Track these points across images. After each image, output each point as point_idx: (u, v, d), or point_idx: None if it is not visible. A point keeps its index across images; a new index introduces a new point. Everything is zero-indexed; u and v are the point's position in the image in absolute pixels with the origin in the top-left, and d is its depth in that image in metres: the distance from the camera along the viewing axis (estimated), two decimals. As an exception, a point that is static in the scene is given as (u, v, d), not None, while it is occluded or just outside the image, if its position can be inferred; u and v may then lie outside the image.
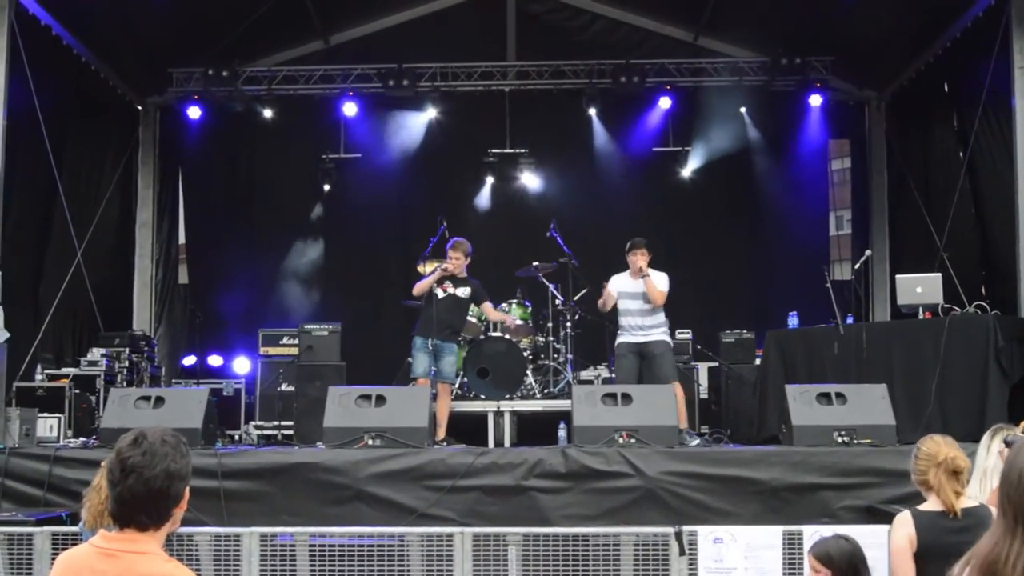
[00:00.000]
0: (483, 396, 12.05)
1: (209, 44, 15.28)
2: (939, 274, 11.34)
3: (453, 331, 10.94)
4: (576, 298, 13.08)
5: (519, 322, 12.11)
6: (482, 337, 12.49)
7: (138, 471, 3.11)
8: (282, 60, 16.55)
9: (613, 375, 11.67)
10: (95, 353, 13.30)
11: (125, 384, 13.23)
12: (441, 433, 10.35)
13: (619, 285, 10.94)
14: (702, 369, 13.86)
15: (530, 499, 8.40)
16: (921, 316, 10.74)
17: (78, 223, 14.09)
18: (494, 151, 16.57)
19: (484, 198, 16.92)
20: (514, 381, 12.19)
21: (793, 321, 12.66)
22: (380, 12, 16.52)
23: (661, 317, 10.82)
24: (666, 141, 16.65)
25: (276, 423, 13.05)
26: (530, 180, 16.74)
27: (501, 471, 8.47)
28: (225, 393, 13.99)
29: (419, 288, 10.87)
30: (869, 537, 6.04)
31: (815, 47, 15.50)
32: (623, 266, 10.98)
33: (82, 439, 10.62)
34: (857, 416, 8.97)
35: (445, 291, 10.83)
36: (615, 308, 10.89)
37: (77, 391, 12.10)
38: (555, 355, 13.10)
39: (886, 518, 7.00)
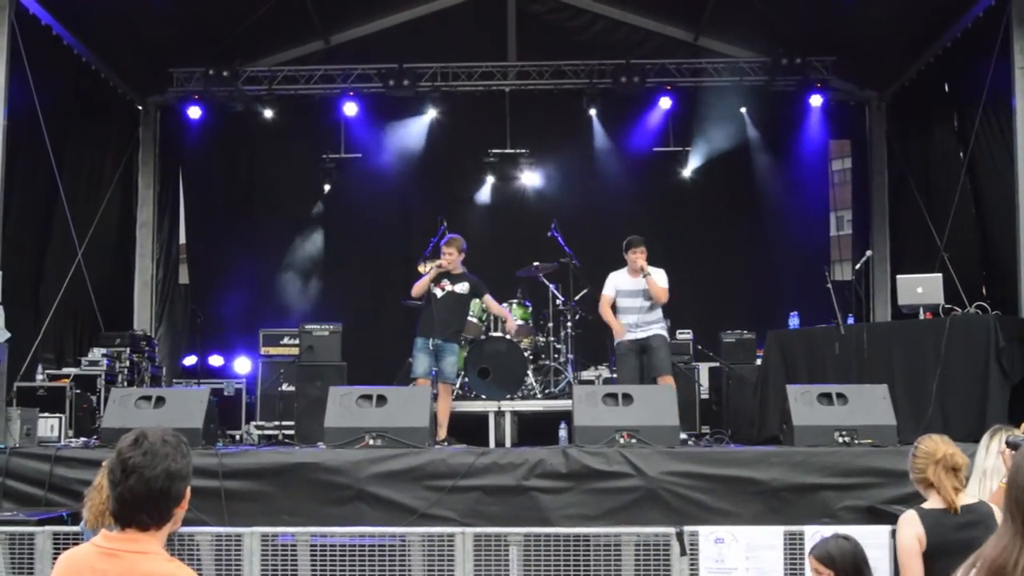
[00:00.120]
0: (484, 396, 12.06)
1: (210, 44, 15.27)
2: (940, 274, 11.34)
3: (455, 330, 10.93)
4: (577, 298, 13.10)
5: (519, 322, 12.11)
6: (483, 337, 12.49)
7: (139, 471, 3.11)
8: (282, 60, 16.55)
9: (614, 375, 11.69)
10: (96, 353, 13.30)
11: (126, 384, 13.23)
12: (442, 433, 10.35)
13: (618, 283, 10.98)
14: (703, 369, 13.86)
15: (531, 499, 8.40)
16: (922, 316, 10.73)
17: (78, 223, 14.09)
18: (494, 151, 16.57)
19: (484, 198, 16.92)
20: (515, 381, 12.20)
21: (794, 321, 12.65)
22: (380, 12, 16.53)
23: (659, 313, 10.94)
24: (666, 141, 16.65)
25: (277, 423, 13.04)
26: (530, 180, 16.74)
27: (502, 471, 8.47)
28: (226, 393, 13.97)
29: (417, 289, 10.87)
30: (870, 537, 6.04)
31: (816, 47, 15.51)
32: (622, 265, 11.01)
33: (83, 439, 10.62)
34: (858, 416, 8.97)
35: (443, 289, 10.82)
36: (614, 306, 10.95)
37: (78, 391, 12.10)
38: (556, 355, 13.11)
39: (887, 518, 7.03)
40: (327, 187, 16.90)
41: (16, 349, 11.31)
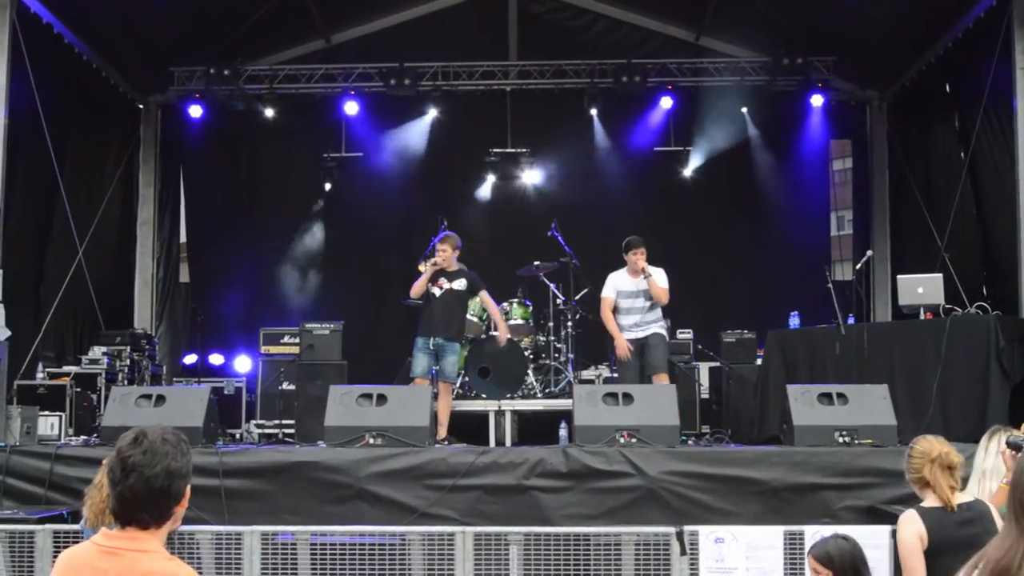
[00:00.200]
0: (484, 395, 12.05)
1: (211, 43, 15.27)
2: (940, 274, 11.34)
3: (456, 328, 10.89)
4: (577, 297, 13.09)
5: (508, 336, 11.97)
6: (483, 336, 12.49)
7: (139, 470, 3.11)
8: (283, 59, 16.55)
9: (614, 374, 11.69)
10: (96, 351, 13.29)
11: (126, 382, 13.23)
12: (442, 432, 10.34)
13: (618, 284, 10.99)
14: (703, 369, 13.87)
15: (531, 498, 8.40)
16: (922, 316, 10.74)
17: (79, 221, 14.09)
18: (495, 150, 16.56)
19: (485, 197, 16.91)
20: (515, 380, 12.20)
21: (794, 321, 12.66)
22: (382, 11, 16.52)
23: (659, 313, 10.98)
24: (667, 141, 16.66)
25: (277, 422, 13.04)
26: (531, 179, 16.73)
27: (502, 470, 8.47)
28: (226, 392, 13.98)
29: (416, 289, 10.85)
30: (870, 537, 6.05)
31: (817, 47, 15.50)
32: (623, 265, 11.01)
33: (83, 437, 10.62)
34: (858, 416, 8.97)
35: (441, 288, 10.80)
36: (615, 307, 10.97)
37: (78, 389, 12.10)
38: (556, 354, 13.10)
39: (887, 518, 7.03)
40: (328, 186, 16.90)
41: (17, 347, 11.32)
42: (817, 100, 15.90)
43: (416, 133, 16.75)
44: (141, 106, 16.65)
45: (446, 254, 10.81)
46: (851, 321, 11.75)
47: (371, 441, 8.86)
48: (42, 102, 12.68)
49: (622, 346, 10.79)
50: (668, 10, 16.41)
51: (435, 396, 10.19)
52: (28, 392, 11.62)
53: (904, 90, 15.76)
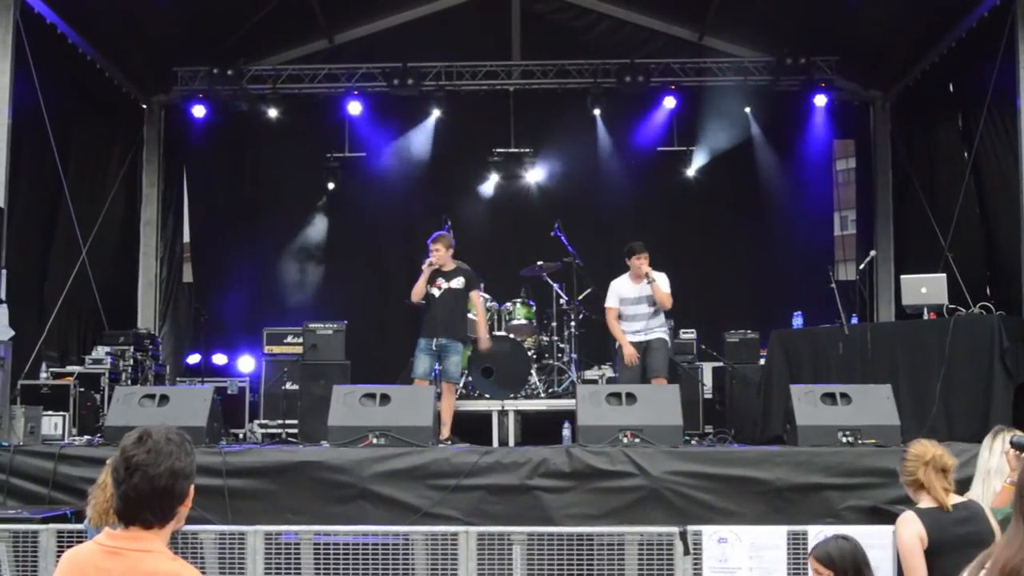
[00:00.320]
0: (487, 395, 12.05)
1: (214, 43, 15.27)
2: (944, 274, 11.34)
3: (458, 328, 10.87)
4: (580, 297, 13.09)
5: (489, 343, 11.85)
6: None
7: (143, 469, 3.11)
8: (287, 59, 16.56)
9: (617, 375, 11.68)
10: (100, 351, 13.29)
11: (130, 382, 13.23)
12: (445, 432, 10.33)
13: (620, 292, 11.01)
14: (706, 369, 13.88)
15: (534, 498, 8.40)
16: (926, 316, 10.73)
17: (83, 221, 14.10)
18: (498, 150, 16.56)
19: (488, 197, 16.91)
20: (518, 380, 12.20)
21: (797, 321, 12.67)
22: (385, 11, 16.52)
23: (662, 317, 11.01)
24: (671, 141, 16.66)
25: (280, 421, 13.03)
26: (534, 179, 16.74)
27: (505, 470, 8.47)
28: (229, 391, 13.99)
29: (415, 293, 10.84)
30: (873, 537, 6.05)
31: (820, 47, 15.49)
32: (626, 266, 11.02)
33: (87, 437, 10.63)
34: (862, 416, 8.96)
35: (440, 288, 10.80)
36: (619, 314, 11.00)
37: (82, 389, 12.10)
38: (559, 354, 13.10)
39: (890, 518, 7.01)
40: (331, 185, 16.91)
41: (20, 347, 11.34)
42: (820, 100, 15.89)
43: (419, 133, 16.76)
44: (144, 106, 16.65)
45: (440, 253, 10.80)
46: (854, 321, 11.73)
47: (374, 441, 8.87)
48: (46, 102, 12.69)
49: (630, 353, 10.80)
50: (671, 10, 16.41)
51: (438, 396, 10.19)
52: (32, 392, 11.62)
53: (908, 90, 15.74)
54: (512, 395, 12.06)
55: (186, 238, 17.19)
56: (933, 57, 14.42)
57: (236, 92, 15.90)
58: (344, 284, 16.72)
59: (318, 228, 17.11)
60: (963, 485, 6.57)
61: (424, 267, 10.82)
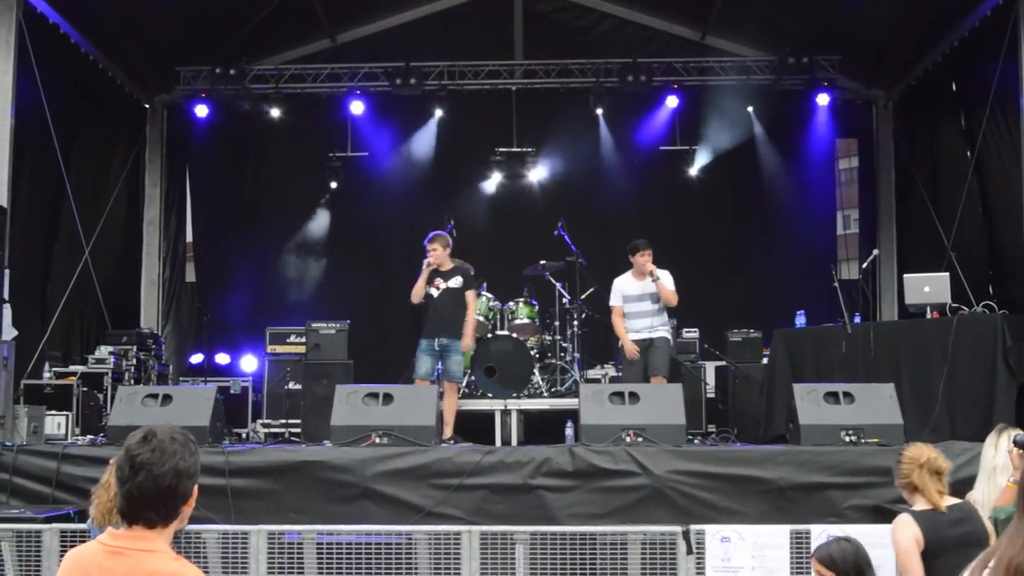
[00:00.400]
0: (490, 395, 12.05)
1: (216, 42, 15.28)
2: (947, 273, 11.33)
3: (458, 327, 10.86)
4: (583, 297, 13.08)
5: (471, 344, 11.77)
6: (489, 336, 12.48)
7: (147, 468, 3.11)
8: (289, 58, 16.57)
9: (620, 374, 11.69)
10: (103, 351, 13.32)
11: (132, 382, 13.25)
12: (448, 432, 10.33)
13: (623, 290, 11.02)
14: (709, 368, 13.88)
15: (537, 498, 8.40)
16: (929, 315, 10.72)
17: (86, 221, 14.11)
18: (501, 150, 16.56)
19: (491, 197, 16.90)
20: (521, 380, 12.19)
21: (800, 320, 12.67)
22: (387, 11, 16.53)
23: (665, 315, 11.01)
24: (673, 140, 16.66)
25: (283, 421, 13.04)
26: (537, 179, 16.74)
27: (508, 470, 8.48)
28: (232, 391, 13.98)
29: (415, 294, 10.84)
30: (876, 536, 6.04)
31: (822, 46, 15.48)
32: (630, 265, 11.02)
33: (90, 437, 10.66)
34: (865, 415, 8.96)
35: (438, 288, 10.80)
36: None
37: (85, 389, 12.11)
38: (562, 354, 13.09)
39: (893, 518, 7.00)
40: (333, 185, 16.91)
41: (23, 347, 11.35)
42: (823, 99, 15.88)
43: (422, 132, 16.76)
44: (147, 106, 16.66)
45: (437, 253, 10.80)
46: (857, 320, 11.73)
47: (377, 440, 8.87)
48: (48, 102, 12.70)
49: (630, 348, 10.82)
50: (673, 9, 16.40)
51: (440, 395, 10.19)
52: (35, 391, 11.63)
53: (910, 89, 15.73)
54: (515, 394, 12.05)
55: (189, 238, 17.21)
56: (936, 56, 14.42)
57: (238, 92, 15.90)
58: (347, 283, 16.73)
59: (320, 227, 17.11)
60: (967, 484, 6.58)
61: (423, 267, 10.82)
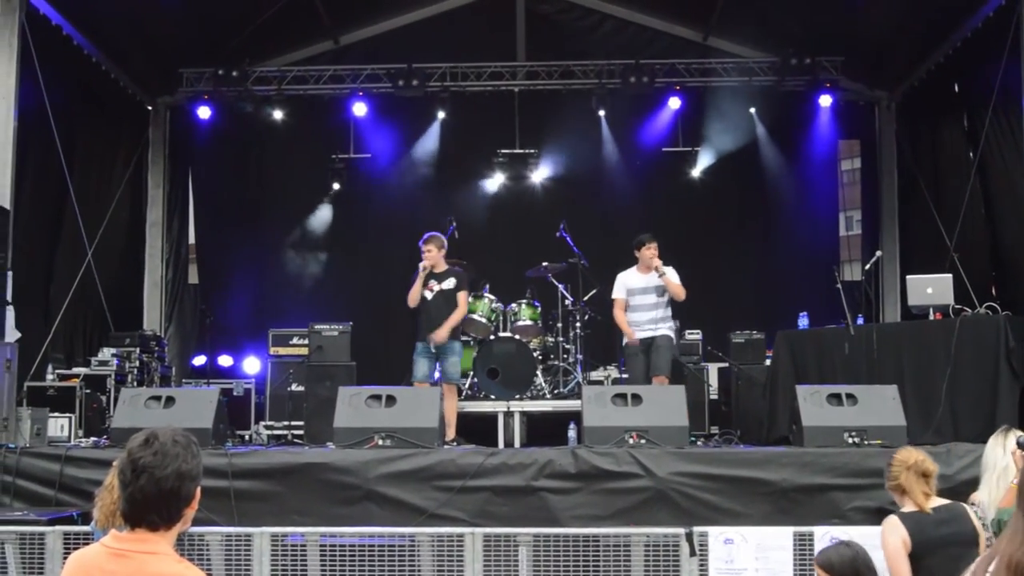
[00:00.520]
0: (493, 396, 12.05)
1: (219, 44, 15.30)
2: (950, 275, 11.32)
3: (453, 329, 10.87)
4: (586, 298, 13.07)
5: (445, 336, 11.61)
6: (492, 337, 12.49)
7: (149, 471, 3.11)
8: (292, 60, 16.59)
9: (623, 375, 11.68)
10: (106, 353, 13.32)
11: (136, 384, 13.24)
12: (450, 433, 10.32)
13: (628, 283, 11.02)
14: (712, 370, 13.86)
15: (540, 499, 8.39)
16: (932, 317, 10.71)
17: (88, 223, 14.12)
18: (503, 151, 16.57)
19: (493, 198, 16.91)
20: (524, 381, 12.19)
21: (803, 322, 12.66)
22: (389, 12, 16.54)
23: (669, 312, 11.00)
24: (675, 141, 16.65)
25: (286, 423, 13.06)
26: (539, 180, 16.75)
27: (511, 471, 8.47)
28: (235, 393, 13.99)
29: (412, 298, 10.85)
30: (879, 538, 6.04)
31: (825, 47, 15.48)
32: (632, 265, 11.03)
33: (93, 439, 10.64)
34: (868, 417, 8.95)
35: (432, 290, 10.81)
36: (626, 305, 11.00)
37: (88, 391, 12.10)
38: (565, 355, 13.10)
39: (895, 519, 7.03)
40: (336, 186, 16.92)
41: (26, 349, 11.35)
42: (825, 100, 15.88)
43: (424, 134, 16.76)
44: (150, 108, 16.67)
45: (432, 254, 10.82)
46: (860, 321, 11.74)
47: (380, 442, 8.86)
48: (51, 103, 12.71)
49: (629, 333, 10.82)
50: (675, 10, 16.41)
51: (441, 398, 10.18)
52: (38, 393, 11.63)
53: (913, 90, 15.73)
54: (518, 396, 12.06)
55: (191, 239, 17.23)
56: (938, 57, 14.41)
57: (241, 93, 15.92)
58: (349, 285, 16.74)
59: (323, 229, 17.11)
60: (971, 486, 6.58)
61: (420, 271, 10.82)
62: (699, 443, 10.58)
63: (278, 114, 16.44)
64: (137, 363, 13.65)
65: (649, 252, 10.83)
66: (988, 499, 6.08)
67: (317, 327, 12.77)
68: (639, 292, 10.93)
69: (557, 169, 16.71)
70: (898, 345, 10.70)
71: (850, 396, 9.13)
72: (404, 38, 16.51)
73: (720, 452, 9.05)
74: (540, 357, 12.82)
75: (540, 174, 16.71)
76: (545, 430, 11.72)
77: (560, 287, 13.25)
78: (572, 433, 10.32)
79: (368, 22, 16.67)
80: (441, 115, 16.53)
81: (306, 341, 13.18)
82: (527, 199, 16.80)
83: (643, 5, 16.46)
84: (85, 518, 7.70)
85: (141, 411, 9.17)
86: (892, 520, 5.63)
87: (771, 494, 8.35)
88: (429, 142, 16.77)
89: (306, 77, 16.30)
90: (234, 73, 15.64)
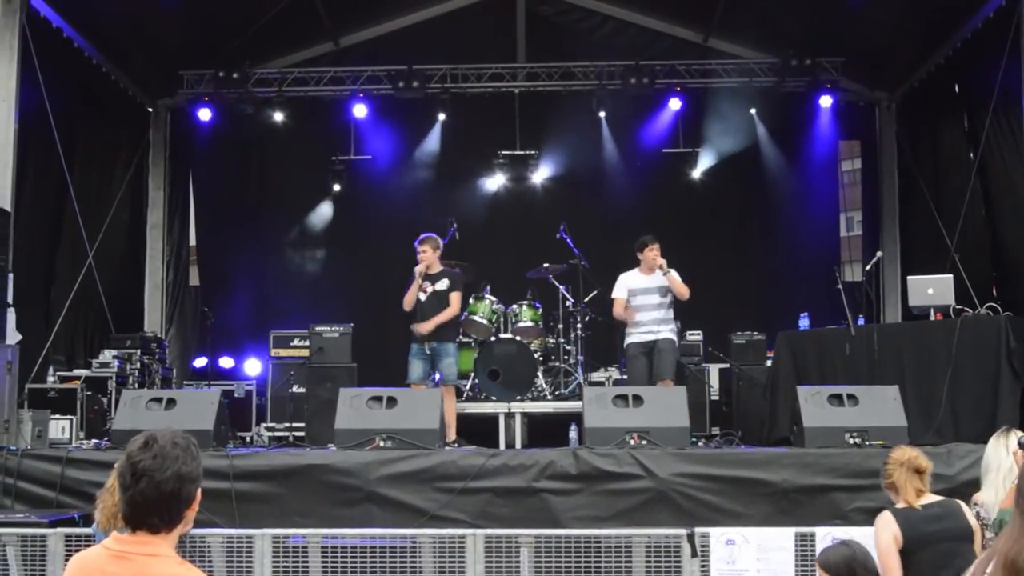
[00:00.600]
0: (494, 398, 12.06)
1: (219, 46, 15.31)
2: (950, 275, 11.32)
3: (447, 330, 10.83)
4: (587, 300, 13.08)
5: (430, 328, 11.52)
6: (492, 339, 12.49)
7: (149, 474, 3.10)
8: (292, 62, 16.60)
9: (624, 376, 11.68)
10: (107, 355, 13.32)
11: (137, 386, 13.24)
12: (451, 435, 10.31)
13: (630, 283, 11.00)
14: (713, 370, 13.85)
15: (541, 501, 8.39)
16: (932, 317, 10.71)
17: (89, 225, 14.11)
18: (504, 152, 16.57)
19: (494, 199, 16.91)
20: (525, 383, 12.20)
21: (804, 322, 12.65)
22: (390, 14, 16.54)
23: (671, 314, 10.98)
24: (676, 142, 16.64)
25: (287, 425, 13.06)
26: (540, 181, 16.75)
27: (512, 473, 8.46)
28: (236, 395, 14.00)
29: (407, 302, 10.85)
30: (875, 536, 6.07)
31: (825, 48, 15.48)
32: (633, 266, 11.02)
33: (94, 441, 10.64)
34: (869, 417, 8.95)
35: (426, 292, 10.80)
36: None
37: (89, 393, 12.09)
38: (566, 357, 13.10)
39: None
40: (336, 188, 16.92)
41: (27, 351, 11.36)
42: (826, 101, 15.88)
43: (425, 135, 16.76)
44: (150, 109, 16.68)
45: (427, 255, 10.81)
46: (861, 322, 11.73)
47: (381, 444, 8.86)
48: (52, 105, 12.71)
49: (630, 315, 10.86)
50: (676, 11, 16.41)
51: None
52: (39, 396, 11.62)
53: (913, 91, 15.73)
54: (519, 397, 12.07)
55: (192, 241, 17.22)
56: (938, 58, 14.41)
57: (242, 95, 15.92)
58: (350, 286, 16.72)
59: (323, 231, 17.12)
60: (973, 486, 6.58)
61: (416, 274, 10.82)
62: (700, 444, 10.58)
63: (278, 116, 16.45)
64: (138, 365, 13.65)
65: (652, 253, 10.82)
66: (993, 500, 6.07)
67: (318, 328, 12.78)
68: (641, 293, 10.91)
69: (557, 170, 16.71)
70: (899, 346, 10.70)
71: (851, 397, 9.12)
72: (404, 40, 16.51)
73: (721, 453, 9.05)
74: (541, 358, 12.83)
75: (540, 175, 16.71)
76: (546, 431, 11.73)
77: (561, 288, 13.26)
78: (573, 434, 10.33)
79: (368, 23, 16.66)
80: (441, 116, 16.52)
81: (307, 342, 13.18)
82: (527, 200, 16.80)
83: (643, 6, 16.45)
84: (86, 520, 7.70)
85: (142, 413, 9.18)
86: (884, 516, 5.73)
87: (772, 495, 8.35)
88: (429, 143, 16.77)
89: (306, 79, 16.30)
90: (234, 75, 15.65)
